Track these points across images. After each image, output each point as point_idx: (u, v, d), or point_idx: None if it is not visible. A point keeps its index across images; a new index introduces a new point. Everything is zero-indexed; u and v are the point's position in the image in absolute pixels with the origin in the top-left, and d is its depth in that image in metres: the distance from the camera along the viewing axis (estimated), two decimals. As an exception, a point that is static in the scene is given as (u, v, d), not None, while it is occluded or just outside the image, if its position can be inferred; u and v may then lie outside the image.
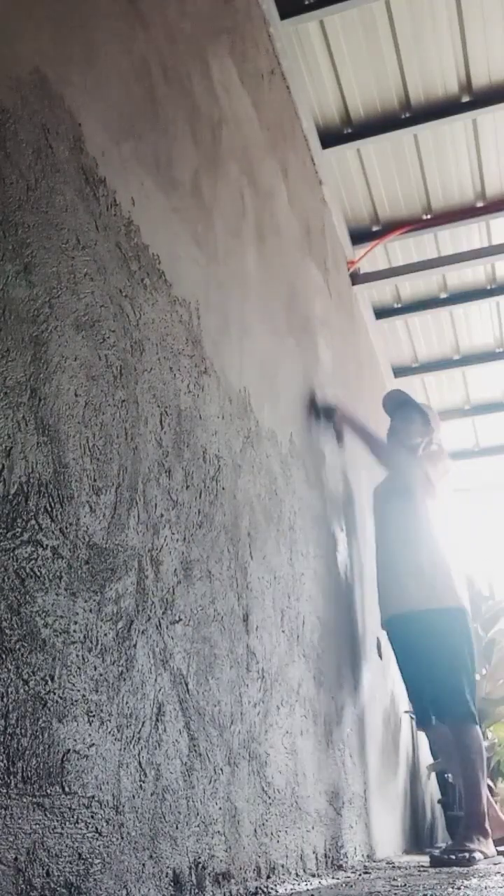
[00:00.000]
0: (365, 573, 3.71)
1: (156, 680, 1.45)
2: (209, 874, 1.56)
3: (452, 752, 3.11)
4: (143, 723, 1.38)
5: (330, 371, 3.56)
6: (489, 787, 4.45)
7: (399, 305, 5.16)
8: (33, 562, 1.12)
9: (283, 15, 3.24)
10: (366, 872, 2.42)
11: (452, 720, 3.00)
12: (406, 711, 4.58)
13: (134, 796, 1.31)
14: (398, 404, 3.55)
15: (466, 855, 2.62)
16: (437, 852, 2.87)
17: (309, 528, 2.78)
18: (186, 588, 1.64)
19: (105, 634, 1.29)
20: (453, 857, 2.64)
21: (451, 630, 3.05)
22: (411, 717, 4.67)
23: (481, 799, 2.87)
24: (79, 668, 1.20)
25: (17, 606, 1.07)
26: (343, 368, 3.93)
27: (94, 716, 1.22)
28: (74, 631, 1.20)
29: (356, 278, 4.62)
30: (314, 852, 2.29)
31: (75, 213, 1.37)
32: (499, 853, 2.91)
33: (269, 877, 1.89)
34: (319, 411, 3.18)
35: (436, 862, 2.68)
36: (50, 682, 1.12)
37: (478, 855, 2.66)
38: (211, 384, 1.96)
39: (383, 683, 3.88)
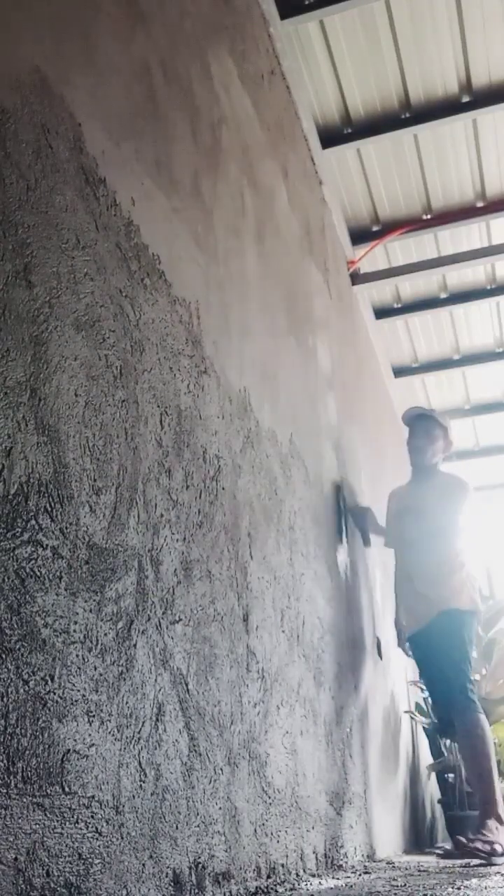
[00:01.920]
0: (365, 573, 3.71)
1: (156, 680, 1.45)
2: (209, 874, 1.56)
3: (461, 745, 3.11)
4: (143, 723, 1.38)
5: (329, 371, 3.56)
6: None
7: (399, 305, 5.16)
8: (33, 562, 1.12)
9: (283, 15, 3.24)
10: (366, 872, 2.42)
11: (456, 710, 3.00)
12: (406, 711, 4.58)
13: (134, 796, 1.31)
14: (417, 415, 3.64)
15: (489, 847, 2.63)
16: (440, 852, 2.86)
17: (309, 528, 2.77)
18: (186, 588, 1.64)
19: (105, 634, 1.29)
20: (478, 846, 2.64)
21: (459, 630, 3.10)
22: (412, 718, 4.67)
23: (493, 787, 2.86)
24: (79, 668, 1.20)
25: (17, 606, 1.07)
26: (343, 368, 3.92)
27: (94, 716, 1.22)
28: (74, 631, 1.20)
29: (356, 278, 4.61)
30: (314, 852, 2.29)
31: (75, 213, 1.37)
32: None
33: (269, 877, 1.89)
34: (350, 514, 3.39)
35: (460, 846, 2.68)
36: (50, 682, 1.12)
37: (499, 847, 2.66)
38: (211, 384, 1.96)
39: (383, 683, 3.88)
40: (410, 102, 3.75)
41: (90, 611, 1.26)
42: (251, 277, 2.46)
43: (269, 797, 1.99)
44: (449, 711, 3.11)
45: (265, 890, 1.73)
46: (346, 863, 2.63)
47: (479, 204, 4.34)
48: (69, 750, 1.14)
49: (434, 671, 3.17)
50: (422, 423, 3.57)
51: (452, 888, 1.82)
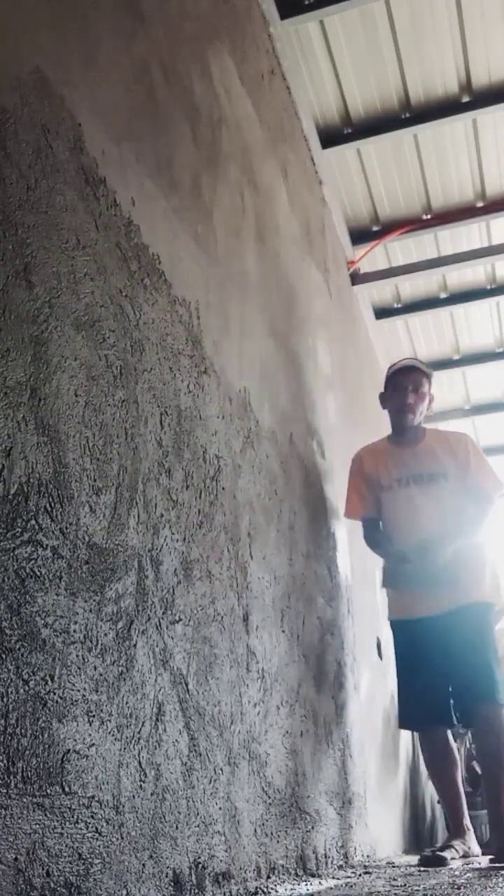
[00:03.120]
0: (365, 573, 3.71)
1: (156, 680, 1.45)
2: (209, 874, 1.56)
3: (483, 744, 2.92)
4: (143, 723, 1.38)
5: (329, 371, 3.56)
6: None
7: (399, 305, 5.16)
8: (33, 562, 1.12)
9: (283, 15, 3.24)
10: (366, 872, 2.42)
11: (482, 710, 2.78)
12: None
13: (134, 796, 1.31)
14: (406, 367, 3.20)
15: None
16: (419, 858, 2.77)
17: (309, 528, 2.78)
18: (186, 588, 1.64)
19: (105, 634, 1.29)
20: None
21: (488, 625, 2.89)
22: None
23: None
24: (79, 668, 1.20)
25: (17, 606, 1.07)
26: (343, 369, 3.93)
27: (94, 716, 1.22)
28: (74, 631, 1.20)
29: (356, 278, 4.62)
30: (314, 852, 2.29)
31: (75, 213, 1.37)
32: None
33: (269, 877, 1.89)
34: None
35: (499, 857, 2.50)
36: (50, 682, 1.12)
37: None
38: (211, 384, 1.96)
39: (383, 683, 3.88)
40: (410, 102, 3.76)
41: (90, 611, 1.26)
42: (251, 277, 2.46)
43: (269, 797, 1.99)
44: (457, 708, 2.93)
45: (265, 890, 1.73)
46: (346, 863, 2.63)
47: (479, 204, 4.34)
48: (69, 750, 1.14)
49: (447, 665, 2.87)
50: (410, 378, 3.13)
51: (452, 889, 1.82)
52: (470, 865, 2.66)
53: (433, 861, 2.60)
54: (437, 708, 2.92)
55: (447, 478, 3.01)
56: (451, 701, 2.92)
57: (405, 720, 3.11)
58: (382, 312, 5.17)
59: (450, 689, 2.90)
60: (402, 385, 3.15)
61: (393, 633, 3.09)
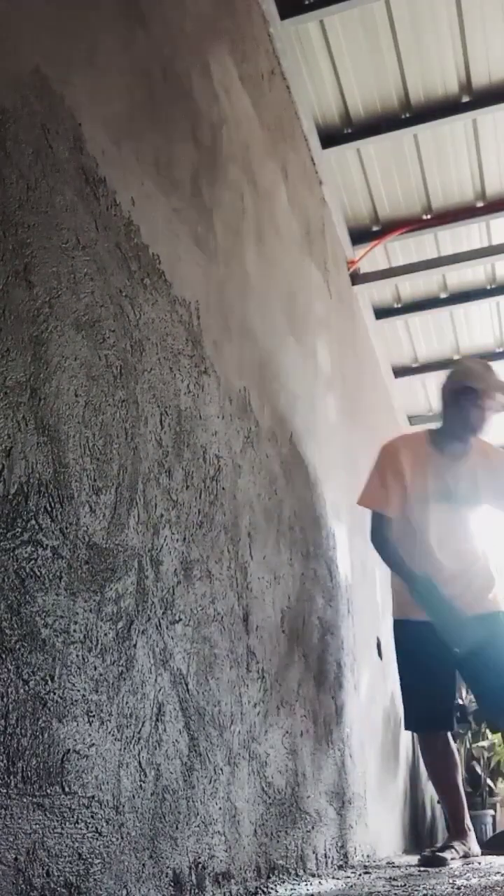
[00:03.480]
0: (365, 573, 3.71)
1: (156, 680, 1.45)
2: (209, 874, 1.56)
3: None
4: (143, 723, 1.38)
5: (329, 371, 3.56)
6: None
7: (399, 305, 5.16)
8: (33, 562, 1.12)
9: (283, 15, 3.24)
10: (366, 872, 2.42)
11: None
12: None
13: (134, 796, 1.31)
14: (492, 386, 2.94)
15: None
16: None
17: (309, 528, 2.77)
18: (186, 588, 1.65)
19: (105, 634, 1.29)
20: None
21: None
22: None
23: None
24: (79, 668, 1.20)
25: (17, 606, 1.07)
26: (343, 369, 3.92)
27: (94, 716, 1.22)
28: (74, 631, 1.20)
29: (356, 278, 4.61)
30: (314, 852, 2.29)
31: (75, 213, 1.37)
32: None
33: (269, 877, 1.89)
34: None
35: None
36: (50, 682, 1.12)
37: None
38: (211, 384, 1.96)
39: (383, 684, 3.88)
40: (410, 102, 3.75)
41: (90, 611, 1.26)
42: (251, 277, 2.46)
43: (269, 797, 1.99)
44: (487, 713, 2.95)
45: (265, 890, 1.73)
46: (346, 863, 2.63)
47: (479, 204, 4.34)
48: (69, 750, 1.14)
49: (462, 669, 2.92)
50: (494, 400, 2.95)
51: (452, 888, 1.82)
52: (470, 865, 2.66)
53: (433, 861, 2.61)
54: (443, 711, 2.95)
55: (479, 502, 3.03)
56: (476, 703, 2.94)
57: (412, 722, 3.11)
58: (382, 312, 5.17)
59: (452, 693, 2.93)
60: (482, 404, 2.94)
61: (397, 632, 3.08)
